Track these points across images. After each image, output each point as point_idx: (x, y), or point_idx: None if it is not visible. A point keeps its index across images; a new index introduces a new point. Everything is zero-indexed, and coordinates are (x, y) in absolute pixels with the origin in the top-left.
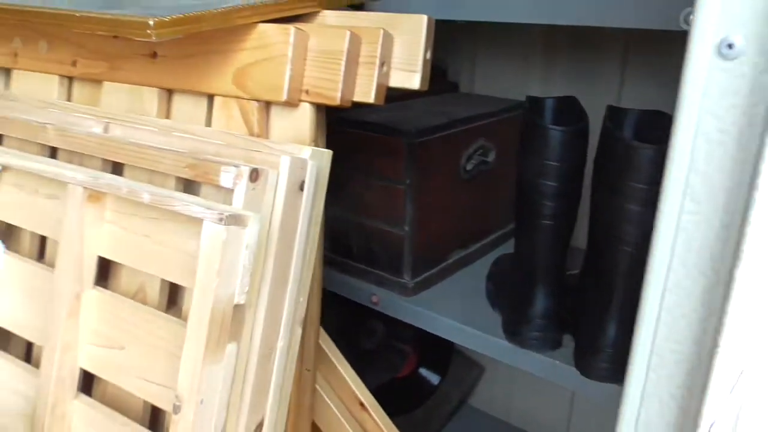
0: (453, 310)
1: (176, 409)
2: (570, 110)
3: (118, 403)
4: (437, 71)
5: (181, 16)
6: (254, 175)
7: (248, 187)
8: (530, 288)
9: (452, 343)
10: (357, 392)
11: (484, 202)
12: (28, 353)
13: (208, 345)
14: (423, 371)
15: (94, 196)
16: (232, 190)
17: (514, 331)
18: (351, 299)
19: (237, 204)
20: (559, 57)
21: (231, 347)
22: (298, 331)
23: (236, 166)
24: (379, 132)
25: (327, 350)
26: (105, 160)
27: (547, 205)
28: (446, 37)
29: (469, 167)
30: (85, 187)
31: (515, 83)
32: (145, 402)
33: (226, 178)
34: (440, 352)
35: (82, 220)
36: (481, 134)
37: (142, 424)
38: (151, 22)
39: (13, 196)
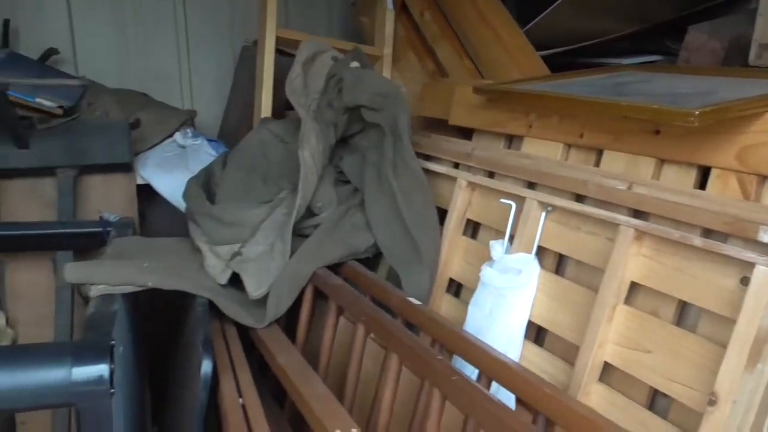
0: None
1: (711, 403)
2: None
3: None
4: None
5: (714, 107)
6: None
7: None
8: None
9: None
10: None
11: None
12: (536, 338)
13: (747, 360)
14: None
15: (638, 236)
16: (764, 244)
17: None
18: None
19: None
20: None
21: (760, 366)
22: None
23: None
24: None
25: None
26: (628, 209)
27: None
28: None
29: None
30: (636, 229)
31: None
32: (650, 392)
33: (764, 235)
34: None
35: (627, 253)
36: None
37: None
38: (696, 113)
39: (555, 230)
